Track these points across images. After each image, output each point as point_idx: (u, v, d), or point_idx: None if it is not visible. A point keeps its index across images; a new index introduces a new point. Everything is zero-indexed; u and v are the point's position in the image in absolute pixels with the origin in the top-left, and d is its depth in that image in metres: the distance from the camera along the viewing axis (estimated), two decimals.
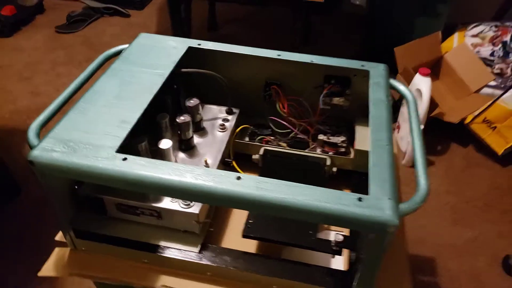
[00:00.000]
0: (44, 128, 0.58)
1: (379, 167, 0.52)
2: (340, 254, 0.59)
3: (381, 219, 0.46)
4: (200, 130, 0.73)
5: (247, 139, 0.78)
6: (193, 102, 0.71)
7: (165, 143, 0.63)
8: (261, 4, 1.51)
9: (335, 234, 0.60)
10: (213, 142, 0.71)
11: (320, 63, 0.71)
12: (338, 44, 1.97)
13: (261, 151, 0.74)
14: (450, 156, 1.42)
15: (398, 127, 1.47)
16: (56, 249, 0.66)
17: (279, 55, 0.73)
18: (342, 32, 2.05)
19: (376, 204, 0.47)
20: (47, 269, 0.64)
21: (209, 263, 0.61)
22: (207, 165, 0.67)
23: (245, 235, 0.61)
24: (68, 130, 0.56)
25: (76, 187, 0.62)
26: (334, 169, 0.73)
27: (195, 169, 0.51)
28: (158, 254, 0.62)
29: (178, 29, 1.71)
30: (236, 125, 0.76)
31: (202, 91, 0.75)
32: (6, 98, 1.69)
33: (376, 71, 0.70)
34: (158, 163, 0.52)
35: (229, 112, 0.77)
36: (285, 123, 0.76)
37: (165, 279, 0.62)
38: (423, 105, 1.29)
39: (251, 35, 2.01)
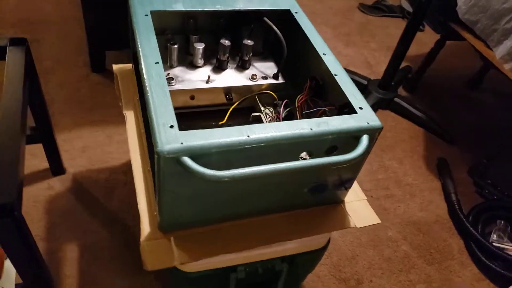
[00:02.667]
0: None
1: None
2: None
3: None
4: (243, 67, 0.87)
5: (271, 106, 0.86)
6: (249, 42, 0.84)
7: (199, 44, 0.82)
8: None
9: None
10: (238, 78, 0.84)
11: None
12: None
13: (255, 114, 0.82)
14: None
15: None
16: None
17: (324, 54, 0.75)
18: None
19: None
20: None
21: None
22: (207, 81, 0.82)
23: None
24: None
25: None
26: None
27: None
28: None
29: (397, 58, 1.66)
30: (269, 88, 0.85)
31: (271, 47, 0.87)
32: None
33: None
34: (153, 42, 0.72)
35: (275, 77, 0.86)
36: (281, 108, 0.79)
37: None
38: None
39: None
